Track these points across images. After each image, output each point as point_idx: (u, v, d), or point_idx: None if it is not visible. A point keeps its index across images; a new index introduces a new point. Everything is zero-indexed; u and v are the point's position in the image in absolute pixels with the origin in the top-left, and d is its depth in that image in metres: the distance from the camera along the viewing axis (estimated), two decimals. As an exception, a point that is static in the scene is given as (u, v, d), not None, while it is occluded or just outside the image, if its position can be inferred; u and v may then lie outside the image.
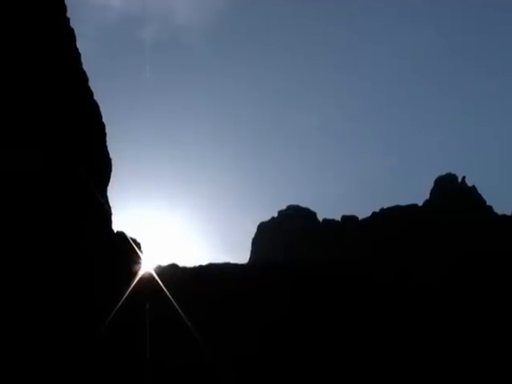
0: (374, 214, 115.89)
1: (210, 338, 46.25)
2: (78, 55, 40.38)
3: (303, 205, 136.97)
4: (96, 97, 42.45)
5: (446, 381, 58.76)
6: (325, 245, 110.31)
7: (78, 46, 40.50)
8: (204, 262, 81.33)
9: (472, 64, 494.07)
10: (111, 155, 44.08)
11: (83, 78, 40.99)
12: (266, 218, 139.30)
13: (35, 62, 35.03)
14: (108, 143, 43.96)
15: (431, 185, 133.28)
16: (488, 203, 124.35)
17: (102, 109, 43.00)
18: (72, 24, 40.25)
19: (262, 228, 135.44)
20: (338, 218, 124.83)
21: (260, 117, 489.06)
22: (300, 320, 62.77)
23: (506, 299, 68.16)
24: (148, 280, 45.77)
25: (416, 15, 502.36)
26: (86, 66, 41.16)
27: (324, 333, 61.34)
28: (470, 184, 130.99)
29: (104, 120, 43.33)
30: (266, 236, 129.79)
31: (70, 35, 39.73)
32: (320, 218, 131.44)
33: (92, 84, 42.02)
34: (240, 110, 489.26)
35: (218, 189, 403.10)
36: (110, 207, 43.04)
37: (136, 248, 46.86)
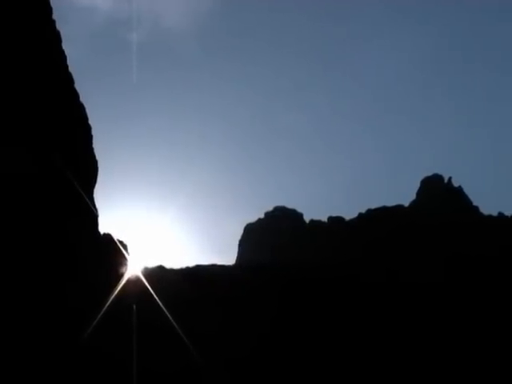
0: (360, 214, 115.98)
1: (196, 341, 46.08)
2: (64, 57, 40.22)
3: (289, 206, 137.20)
4: (84, 99, 42.42)
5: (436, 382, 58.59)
6: (312, 246, 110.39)
7: (66, 48, 40.42)
8: (191, 264, 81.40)
9: (462, 64, 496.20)
10: (98, 157, 44.02)
11: (69, 79, 40.86)
12: (253, 219, 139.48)
13: (20, 62, 34.88)
14: (94, 145, 43.93)
15: (416, 185, 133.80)
16: (474, 204, 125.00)
17: (89, 111, 42.95)
18: (59, 26, 40.20)
19: (249, 229, 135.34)
20: (324, 219, 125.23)
21: (248, 117, 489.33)
22: (288, 322, 62.77)
23: (492, 300, 68.47)
24: (135, 282, 45.68)
25: (408, 13, 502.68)
26: (74, 69, 41.11)
27: (313, 334, 61.29)
28: (456, 185, 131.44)
29: (91, 122, 43.28)
30: (253, 237, 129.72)
31: (56, 37, 39.58)
32: (306, 218, 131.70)
33: (80, 86, 41.99)
34: (228, 110, 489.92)
35: (204, 190, 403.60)
36: (96, 209, 42.91)
37: (123, 249, 46.79)
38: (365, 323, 63.60)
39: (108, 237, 46.81)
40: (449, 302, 68.35)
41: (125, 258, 46.04)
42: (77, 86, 41.68)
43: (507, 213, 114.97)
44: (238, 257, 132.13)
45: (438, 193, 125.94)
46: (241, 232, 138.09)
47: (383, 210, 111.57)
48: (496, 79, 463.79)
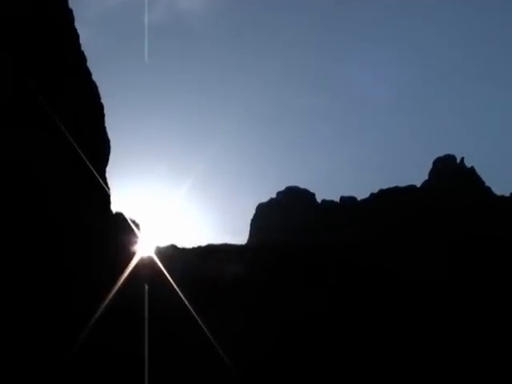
0: (372, 194, 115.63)
1: (210, 322, 45.97)
2: (77, 36, 40.06)
3: (301, 185, 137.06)
4: (97, 78, 42.33)
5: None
6: (324, 226, 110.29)
7: (80, 28, 40.32)
8: (203, 243, 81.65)
9: (472, 43, 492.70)
10: (110, 135, 43.96)
11: (81, 58, 40.72)
12: (265, 198, 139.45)
13: (32, 40, 34.75)
14: (106, 124, 43.84)
15: (427, 164, 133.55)
16: (487, 184, 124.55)
17: (102, 90, 42.86)
18: (72, 5, 40.08)
19: (261, 209, 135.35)
20: (336, 199, 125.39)
21: (263, 97, 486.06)
22: (298, 299, 62.56)
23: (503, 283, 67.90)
24: (147, 262, 45.68)
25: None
26: (87, 48, 41.00)
27: (325, 319, 60.84)
28: (468, 165, 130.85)
29: (103, 101, 43.19)
30: (265, 217, 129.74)
31: (69, 15, 39.42)
32: (318, 198, 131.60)
33: (95, 65, 41.89)
34: (243, 90, 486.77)
35: (214, 170, 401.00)
36: (108, 188, 42.89)
37: (135, 229, 46.82)
38: (374, 312, 62.99)
39: (120, 216, 46.82)
40: (465, 288, 67.64)
41: (137, 238, 46.03)
42: (90, 64, 41.65)
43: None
44: (249, 236, 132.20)
45: (450, 173, 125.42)
46: (253, 211, 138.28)
47: (395, 190, 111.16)
48: (508, 58, 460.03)
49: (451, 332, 60.90)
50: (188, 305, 44.31)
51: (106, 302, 34.54)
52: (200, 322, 44.32)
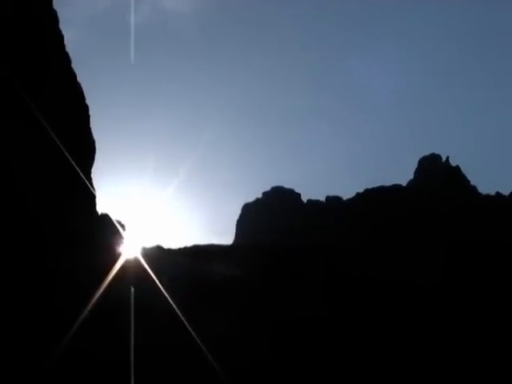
0: (358, 194, 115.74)
1: (198, 324, 45.82)
2: (61, 37, 39.88)
3: (287, 185, 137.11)
4: (82, 80, 42.16)
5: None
6: (310, 226, 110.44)
7: (65, 30, 40.17)
8: (188, 243, 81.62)
9: (461, 42, 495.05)
10: (95, 136, 43.81)
11: (66, 59, 40.53)
12: (251, 198, 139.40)
13: (15, 41, 34.53)
14: (92, 125, 43.69)
15: (412, 163, 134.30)
16: (472, 183, 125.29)
17: (87, 91, 42.71)
18: (57, 7, 39.88)
19: (247, 209, 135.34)
20: (320, 198, 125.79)
21: (248, 97, 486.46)
22: (289, 301, 62.54)
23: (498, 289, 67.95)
24: (133, 263, 45.50)
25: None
26: (72, 50, 40.84)
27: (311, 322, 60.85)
28: (453, 164, 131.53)
29: (88, 102, 43.02)
30: (251, 217, 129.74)
31: (53, 16, 39.21)
32: (304, 198, 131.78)
33: (80, 66, 41.73)
34: (228, 91, 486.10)
35: (200, 170, 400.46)
36: (94, 189, 42.71)
37: (121, 230, 46.68)
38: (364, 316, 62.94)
39: (106, 217, 46.65)
40: (455, 288, 67.70)
41: (122, 239, 45.89)
42: (75, 65, 41.48)
43: (503, 192, 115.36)
44: (235, 237, 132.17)
45: (436, 172, 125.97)
46: (238, 211, 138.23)
47: (381, 190, 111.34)
48: (492, 58, 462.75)
49: (439, 333, 61.06)
50: (175, 307, 44.12)
51: (91, 304, 34.31)
52: (188, 325, 44.12)
